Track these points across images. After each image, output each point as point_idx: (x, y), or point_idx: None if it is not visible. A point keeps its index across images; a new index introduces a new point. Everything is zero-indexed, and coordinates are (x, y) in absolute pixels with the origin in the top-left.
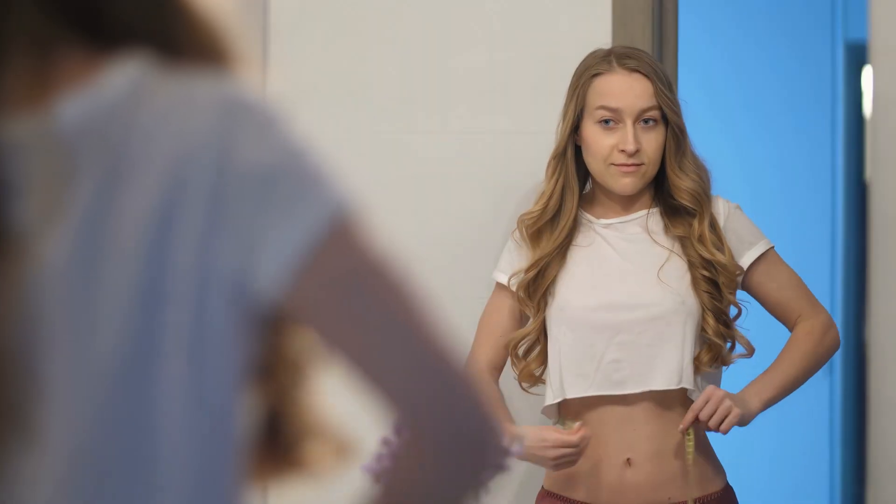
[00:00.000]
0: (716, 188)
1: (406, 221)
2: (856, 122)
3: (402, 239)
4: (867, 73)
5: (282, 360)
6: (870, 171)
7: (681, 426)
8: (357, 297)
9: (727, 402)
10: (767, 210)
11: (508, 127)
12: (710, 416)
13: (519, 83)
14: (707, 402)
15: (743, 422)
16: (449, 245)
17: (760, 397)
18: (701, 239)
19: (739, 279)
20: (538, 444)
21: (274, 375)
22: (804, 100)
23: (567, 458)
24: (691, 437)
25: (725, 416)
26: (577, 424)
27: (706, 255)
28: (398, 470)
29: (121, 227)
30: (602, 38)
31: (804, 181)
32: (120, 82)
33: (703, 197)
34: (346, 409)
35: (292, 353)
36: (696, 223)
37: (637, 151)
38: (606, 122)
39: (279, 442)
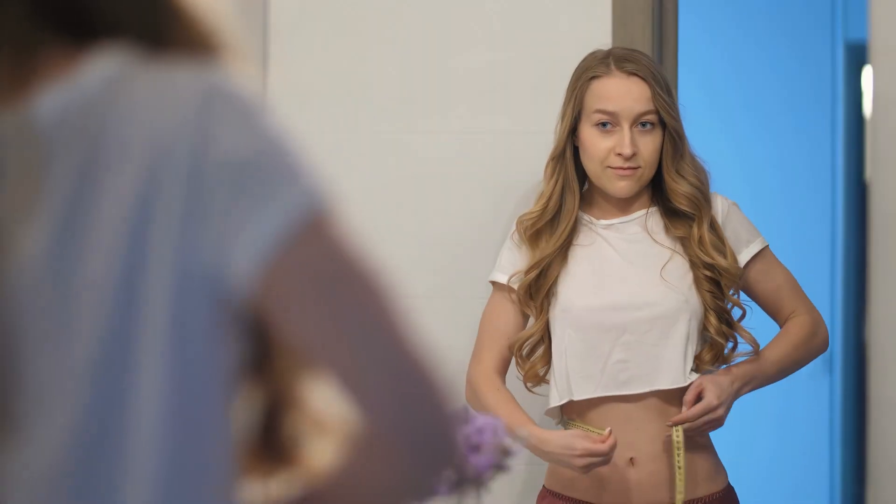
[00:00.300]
0: (715, 188)
1: (406, 221)
2: (856, 122)
3: (402, 239)
4: (867, 73)
5: (279, 354)
6: (870, 171)
7: (670, 421)
8: (327, 293)
9: (721, 418)
10: (767, 210)
11: (508, 127)
12: (698, 420)
13: (519, 83)
14: (704, 412)
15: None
16: (449, 245)
17: (750, 387)
18: (701, 242)
19: (741, 280)
20: (565, 451)
21: (272, 371)
22: (804, 100)
23: (595, 465)
24: (680, 432)
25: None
26: (606, 431)
27: (707, 259)
28: (352, 465)
29: (98, 220)
30: (602, 39)
31: (804, 181)
32: (97, 75)
33: (702, 201)
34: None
35: (288, 377)
36: (695, 227)
37: (634, 155)
38: (603, 125)
39: (278, 439)
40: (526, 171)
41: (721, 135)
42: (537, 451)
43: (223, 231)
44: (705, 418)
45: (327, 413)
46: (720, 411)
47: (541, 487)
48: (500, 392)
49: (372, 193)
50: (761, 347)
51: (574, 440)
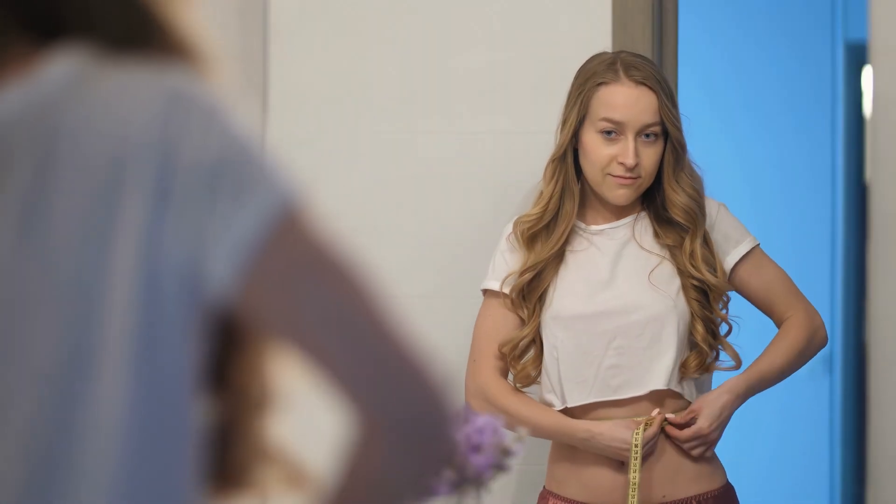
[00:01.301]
0: (715, 188)
1: (406, 221)
2: (856, 123)
3: (402, 239)
4: (867, 73)
5: (240, 378)
6: (870, 171)
7: (658, 413)
8: (310, 288)
9: (713, 441)
10: (767, 210)
11: (508, 127)
12: (687, 442)
13: (519, 83)
14: (693, 437)
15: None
16: (449, 245)
17: (750, 395)
18: (692, 256)
19: (728, 296)
20: (624, 444)
21: (231, 392)
22: (804, 100)
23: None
24: (639, 436)
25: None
26: (655, 412)
27: (696, 274)
28: (356, 462)
29: (57, 221)
30: (602, 39)
31: (804, 181)
32: (56, 75)
33: (698, 213)
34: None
35: (251, 374)
36: (688, 240)
37: (636, 165)
38: (608, 132)
39: (230, 460)
40: (526, 172)
41: (721, 135)
42: (585, 444)
43: (198, 233)
44: (694, 442)
45: (280, 444)
46: (712, 437)
47: (541, 488)
48: (519, 395)
49: (372, 193)
50: (763, 350)
51: (628, 433)
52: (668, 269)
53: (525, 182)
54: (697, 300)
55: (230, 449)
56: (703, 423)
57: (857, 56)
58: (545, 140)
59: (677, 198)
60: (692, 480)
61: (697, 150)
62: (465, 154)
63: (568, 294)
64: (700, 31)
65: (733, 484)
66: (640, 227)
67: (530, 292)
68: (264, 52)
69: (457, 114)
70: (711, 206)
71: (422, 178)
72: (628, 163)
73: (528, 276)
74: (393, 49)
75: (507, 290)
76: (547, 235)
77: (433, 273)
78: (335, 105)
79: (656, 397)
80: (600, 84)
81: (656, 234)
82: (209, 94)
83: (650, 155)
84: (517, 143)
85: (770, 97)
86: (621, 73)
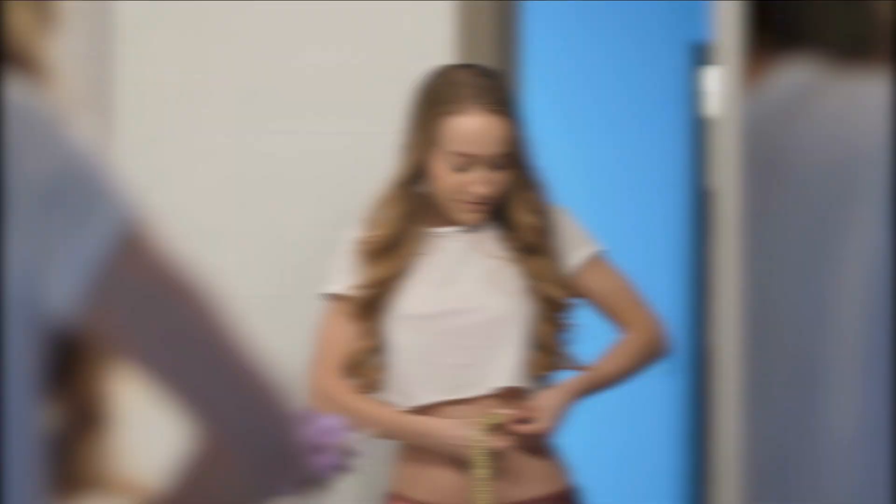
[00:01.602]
0: (559, 192)
1: (252, 221)
2: (699, 125)
3: (247, 239)
4: (710, 75)
5: (80, 391)
6: (713, 174)
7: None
8: (152, 307)
9: (544, 429)
10: (612, 212)
11: (356, 128)
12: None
13: (366, 84)
14: (528, 422)
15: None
16: (295, 246)
17: (585, 396)
18: (540, 270)
19: (572, 305)
20: (465, 441)
21: (71, 404)
22: (648, 102)
23: None
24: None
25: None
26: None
27: (543, 290)
28: (199, 474)
29: None
30: (443, 36)
31: (648, 183)
32: None
33: (545, 231)
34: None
35: (91, 386)
36: (536, 257)
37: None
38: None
39: (70, 469)
40: (375, 173)
41: (565, 136)
42: (424, 440)
43: (37, 252)
44: (527, 425)
45: (117, 457)
46: (545, 425)
47: (386, 489)
48: (360, 395)
49: (218, 193)
50: (600, 354)
51: (468, 429)
52: (512, 270)
53: (373, 184)
54: (543, 301)
55: (70, 459)
56: (544, 424)
57: (701, 57)
58: (396, 141)
59: (524, 219)
60: (535, 481)
61: (541, 153)
62: (312, 154)
63: (412, 295)
64: (544, 32)
65: (579, 485)
66: (487, 230)
67: (373, 302)
68: (110, 52)
69: (303, 114)
70: (555, 212)
71: (268, 178)
72: (481, 193)
73: (370, 291)
74: (240, 48)
75: (349, 295)
76: (392, 254)
77: (278, 274)
78: (181, 104)
79: (504, 396)
80: (449, 114)
81: (501, 237)
82: (48, 107)
83: (500, 179)
84: (365, 144)
85: (615, 99)
86: (469, 101)
